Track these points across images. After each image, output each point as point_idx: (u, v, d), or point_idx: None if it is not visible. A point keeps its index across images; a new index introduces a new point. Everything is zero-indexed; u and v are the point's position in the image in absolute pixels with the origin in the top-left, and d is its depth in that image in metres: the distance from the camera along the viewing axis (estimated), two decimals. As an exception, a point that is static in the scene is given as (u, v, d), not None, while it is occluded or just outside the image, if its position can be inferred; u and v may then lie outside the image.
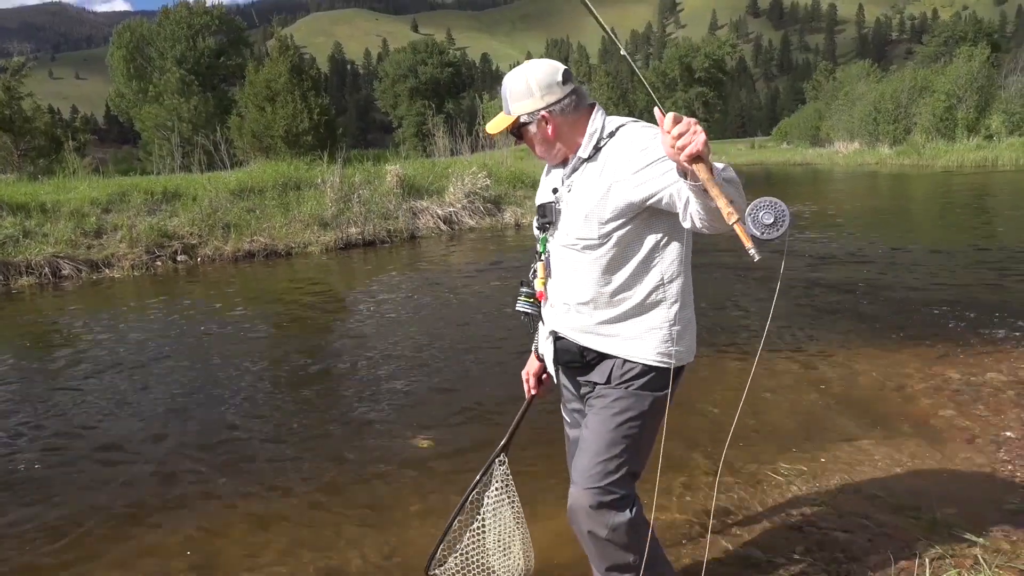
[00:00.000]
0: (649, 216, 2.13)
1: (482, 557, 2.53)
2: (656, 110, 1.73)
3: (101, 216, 12.78)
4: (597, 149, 2.21)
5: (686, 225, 1.99)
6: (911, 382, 4.87)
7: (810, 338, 6.04)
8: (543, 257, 2.37)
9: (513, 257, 12.15)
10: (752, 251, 1.72)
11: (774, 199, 1.76)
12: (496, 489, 2.51)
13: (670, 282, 2.19)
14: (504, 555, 2.50)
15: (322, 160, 15.61)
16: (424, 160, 18.96)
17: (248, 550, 3.23)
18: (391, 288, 9.63)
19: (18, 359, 6.89)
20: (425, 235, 14.74)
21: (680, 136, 1.68)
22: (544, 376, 2.57)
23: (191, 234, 12.82)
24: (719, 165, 1.81)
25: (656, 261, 2.18)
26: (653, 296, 2.19)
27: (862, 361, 5.39)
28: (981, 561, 2.66)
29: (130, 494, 3.86)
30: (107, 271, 11.59)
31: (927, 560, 2.65)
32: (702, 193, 1.77)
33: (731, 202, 1.72)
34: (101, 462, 4.32)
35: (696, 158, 1.68)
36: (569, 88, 2.22)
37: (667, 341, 2.19)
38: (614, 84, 61.32)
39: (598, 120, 2.24)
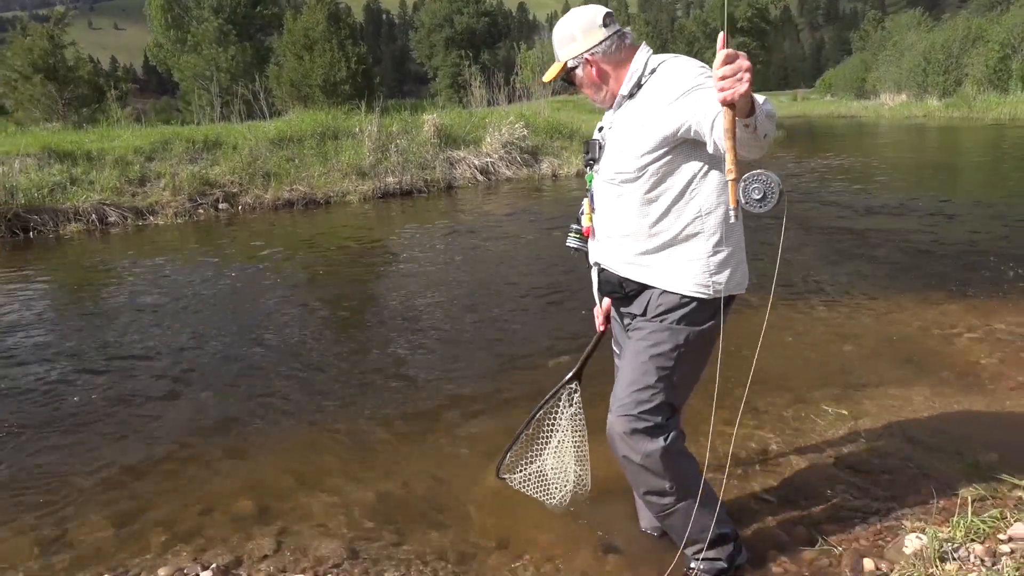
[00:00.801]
0: (688, 148, 2.16)
1: (542, 472, 2.61)
2: (720, 37, 1.71)
3: (144, 164, 12.96)
4: (639, 86, 2.27)
5: (710, 150, 2.02)
6: (956, 331, 4.82)
7: (855, 287, 5.98)
8: (590, 193, 2.43)
9: (550, 207, 12.12)
10: (731, 211, 1.81)
11: (768, 174, 1.77)
12: (565, 415, 2.58)
13: (708, 214, 2.21)
14: (561, 473, 2.58)
15: (360, 109, 15.59)
16: (461, 110, 18.81)
17: (302, 480, 3.36)
18: (430, 237, 9.68)
19: (73, 299, 7.11)
20: (462, 185, 14.73)
21: (723, 78, 1.69)
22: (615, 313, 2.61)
23: (232, 182, 12.98)
24: (759, 98, 1.82)
25: (695, 193, 2.21)
26: (691, 228, 2.22)
27: (907, 310, 5.33)
28: (1024, 502, 2.67)
29: (181, 428, 4.01)
30: (151, 218, 11.81)
31: (969, 499, 2.66)
32: (741, 136, 1.79)
33: (765, 136, 1.81)
34: (158, 397, 4.47)
35: (730, 103, 1.69)
36: (611, 31, 2.28)
37: (705, 272, 2.22)
38: (654, 34, 59.96)
39: (640, 59, 2.29)
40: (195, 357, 5.17)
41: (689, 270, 2.23)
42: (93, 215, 11.38)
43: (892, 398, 3.86)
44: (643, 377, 2.27)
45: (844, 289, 5.96)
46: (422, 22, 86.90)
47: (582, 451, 2.58)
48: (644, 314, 2.31)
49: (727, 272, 2.24)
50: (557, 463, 2.61)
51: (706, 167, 2.19)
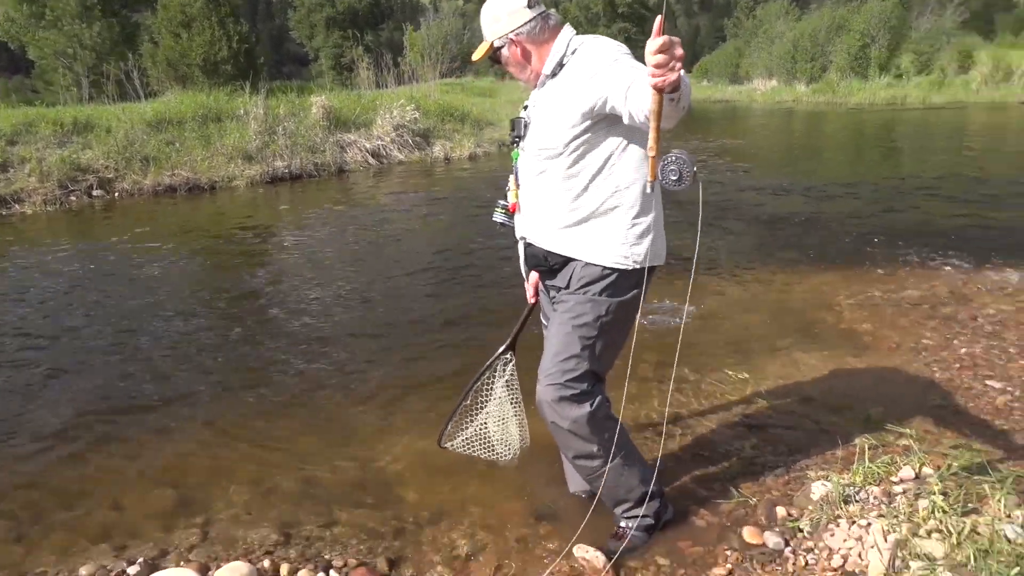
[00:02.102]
0: (606, 124, 2.25)
1: (485, 435, 2.73)
2: (657, 22, 1.77)
3: (6, 148, 12.04)
4: (561, 66, 2.35)
5: (626, 121, 2.09)
6: (838, 300, 5.19)
7: (747, 261, 6.31)
8: (515, 171, 2.48)
9: (444, 190, 12.10)
10: (648, 183, 1.91)
11: (681, 155, 1.88)
12: (501, 383, 2.69)
13: (626, 188, 2.30)
14: (503, 435, 2.71)
15: (244, 91, 14.99)
16: (350, 92, 18.39)
17: (217, 471, 3.27)
18: (323, 222, 9.47)
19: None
20: (353, 169, 14.46)
21: (658, 65, 1.74)
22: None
23: (106, 168, 12.21)
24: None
25: (614, 168, 2.30)
26: (610, 201, 2.31)
27: (793, 281, 5.70)
28: (912, 448, 2.93)
29: (73, 422, 3.82)
30: (16, 207, 10.99)
31: (865, 448, 2.90)
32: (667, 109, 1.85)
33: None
34: (39, 391, 4.22)
35: (660, 89, 1.77)
36: (535, 12, 2.35)
37: (624, 244, 2.31)
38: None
39: (563, 40, 2.36)
40: (74, 350, 4.88)
41: (609, 242, 2.32)
42: (-53, 204, 10.51)
43: (787, 362, 4.13)
44: (568, 347, 2.35)
45: (737, 263, 6.28)
46: (301, 1, 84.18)
47: (520, 415, 2.69)
48: (567, 287, 2.40)
49: (645, 244, 2.33)
50: (497, 426, 2.72)
51: (624, 142, 2.28)
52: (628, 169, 2.30)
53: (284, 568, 2.49)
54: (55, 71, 30.62)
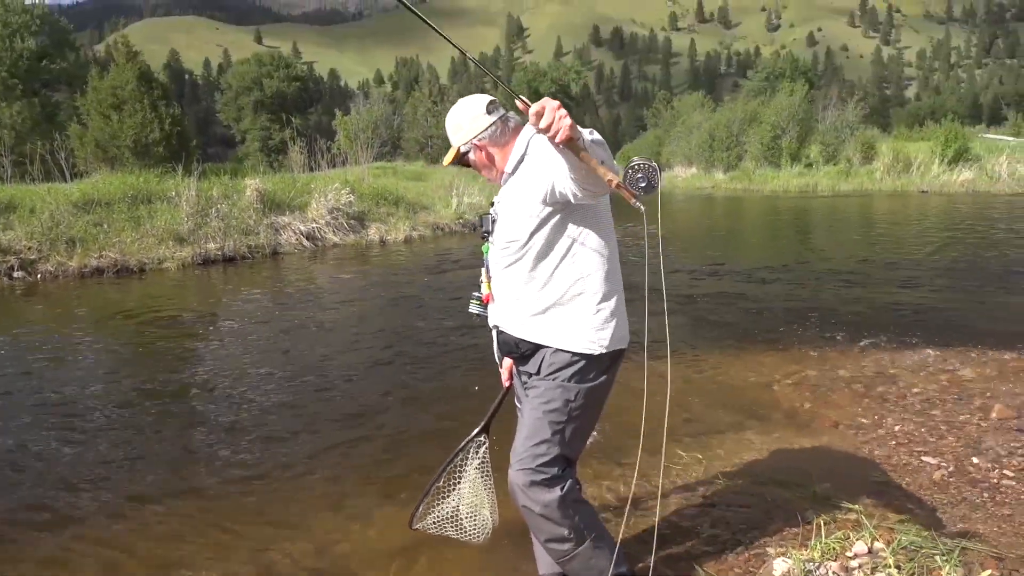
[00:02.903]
0: (564, 214, 2.39)
1: (456, 516, 2.76)
2: (517, 102, 1.95)
3: (-81, 228, 11.58)
4: (520, 162, 2.49)
5: (571, 198, 2.22)
6: (776, 379, 5.41)
7: (685, 343, 6.51)
8: (486, 264, 2.59)
9: (380, 273, 12.15)
10: (636, 203, 2.04)
11: (644, 161, 2.03)
12: (474, 465, 2.76)
13: (589, 275, 2.43)
14: (475, 515, 2.76)
15: (175, 172, 14.87)
16: (285, 175, 18.45)
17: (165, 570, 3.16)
18: (254, 306, 9.37)
19: None
20: (288, 251, 14.41)
21: (548, 126, 1.91)
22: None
23: (29, 248, 11.86)
24: (584, 132, 2.06)
25: (576, 256, 2.43)
26: (574, 288, 2.43)
27: (732, 362, 5.91)
28: (863, 522, 3.06)
29: None
30: (-70, 288, 10.53)
31: (820, 524, 3.02)
32: (582, 169, 2.02)
33: (602, 163, 2.00)
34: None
35: (568, 140, 1.92)
36: (495, 116, 2.51)
37: (591, 329, 2.43)
38: (466, 105, 62.23)
39: (523, 139, 2.53)
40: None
41: (576, 328, 2.43)
42: None
43: (734, 440, 4.27)
44: (539, 432, 2.43)
45: (672, 344, 6.47)
46: (229, 84, 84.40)
47: (491, 496, 2.76)
48: (538, 373, 2.49)
49: (611, 329, 2.45)
50: (469, 507, 2.77)
51: (584, 230, 2.42)
52: (590, 256, 2.43)
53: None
54: (-30, 149, 29.78)
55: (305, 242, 14.95)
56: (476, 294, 2.68)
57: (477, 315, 2.70)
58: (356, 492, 3.82)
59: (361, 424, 4.89)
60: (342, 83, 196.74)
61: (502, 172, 2.55)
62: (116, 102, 18.47)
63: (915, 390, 5.03)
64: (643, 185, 1.99)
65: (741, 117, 43.02)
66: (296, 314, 8.67)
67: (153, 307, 9.39)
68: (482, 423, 2.76)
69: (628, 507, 2.85)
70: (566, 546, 2.45)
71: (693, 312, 7.89)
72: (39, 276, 11.55)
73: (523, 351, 2.51)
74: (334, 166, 22.07)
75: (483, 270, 2.64)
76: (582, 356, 2.44)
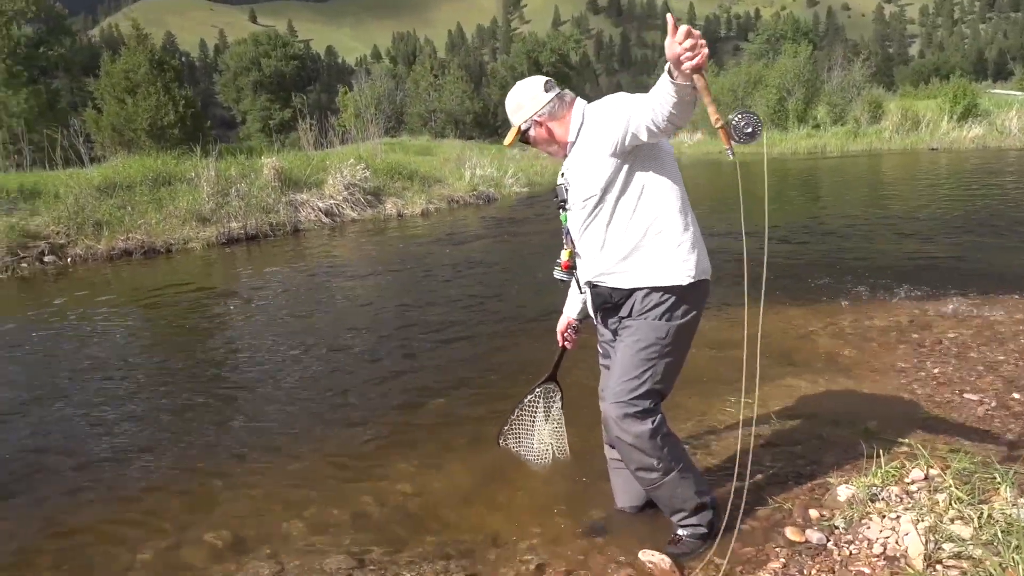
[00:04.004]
0: (632, 160, 2.58)
1: (529, 443, 3.44)
2: (669, 17, 2.12)
3: (-52, 217, 11.76)
4: (580, 129, 2.71)
5: (644, 137, 2.43)
6: (813, 331, 5.59)
7: (715, 298, 6.66)
8: (566, 231, 2.78)
9: (399, 246, 12.32)
10: (729, 151, 2.22)
11: (746, 112, 2.21)
12: (542, 405, 3.35)
13: (664, 214, 2.62)
14: (543, 446, 3.39)
15: (193, 153, 15.00)
16: (299, 152, 18.57)
17: (265, 512, 3.37)
18: (281, 283, 9.52)
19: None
20: (307, 228, 14.56)
21: (692, 47, 2.07)
22: (567, 334, 3.12)
23: (57, 233, 12.06)
24: None
25: (649, 198, 2.62)
26: (653, 227, 2.62)
27: (769, 316, 6.05)
28: (917, 452, 3.25)
29: (101, 487, 3.85)
30: (-34, 275, 10.73)
31: (874, 455, 3.21)
32: (687, 98, 2.20)
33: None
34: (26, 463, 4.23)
35: (698, 68, 2.08)
36: (552, 94, 2.73)
37: (677, 261, 2.62)
38: (467, 77, 61.90)
39: (578, 110, 2.74)
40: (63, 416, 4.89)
41: (662, 264, 2.61)
42: None
43: (780, 387, 4.45)
44: (632, 368, 2.62)
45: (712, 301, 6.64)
46: (227, 65, 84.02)
47: (561, 431, 3.36)
48: (630, 315, 2.67)
49: (694, 259, 2.65)
50: (540, 440, 3.39)
51: (651, 175, 2.61)
52: (662, 196, 2.62)
53: (373, 590, 2.63)
54: (-21, 139, 29.88)
55: (324, 218, 15.10)
56: (557, 261, 2.88)
57: (561, 280, 2.93)
58: (420, 445, 4.03)
59: (402, 387, 5.06)
60: (339, 60, 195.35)
61: (563, 144, 2.75)
62: (130, 86, 18.58)
63: (950, 335, 5.21)
64: (748, 131, 2.16)
65: (745, 80, 42.79)
66: (324, 287, 8.87)
67: (183, 286, 9.59)
68: (548, 373, 3.25)
69: (709, 440, 3.04)
70: (654, 475, 2.65)
71: (719, 270, 8.02)
72: (69, 259, 11.74)
73: (616, 300, 2.70)
74: (344, 143, 22.12)
75: (564, 238, 2.84)
76: (671, 292, 2.62)
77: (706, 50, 2.08)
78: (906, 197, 14.74)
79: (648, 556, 2.69)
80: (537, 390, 3.26)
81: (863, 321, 5.73)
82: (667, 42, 2.09)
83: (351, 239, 13.53)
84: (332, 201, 15.48)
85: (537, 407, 3.31)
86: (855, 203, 14.66)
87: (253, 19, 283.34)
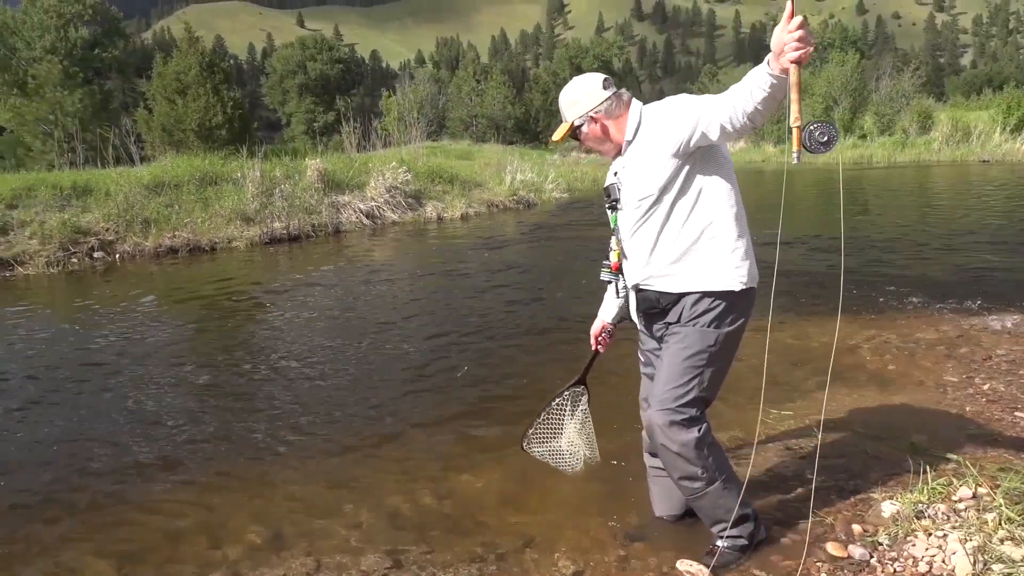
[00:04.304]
0: (692, 162, 2.54)
1: (557, 450, 3.22)
2: (789, 2, 2.11)
3: (6, 212, 12.13)
4: (638, 129, 2.66)
5: (715, 136, 2.39)
6: (856, 343, 5.48)
7: (758, 308, 6.57)
8: (615, 232, 2.75)
9: (436, 250, 12.39)
10: (795, 155, 2.19)
11: (825, 121, 2.18)
12: (569, 409, 3.19)
13: (720, 219, 2.59)
14: (572, 451, 3.18)
15: (239, 154, 15.28)
16: (342, 155, 18.82)
17: (298, 510, 3.41)
18: (320, 283, 9.62)
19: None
20: (349, 229, 14.73)
21: (800, 39, 2.07)
22: (601, 337, 3.07)
23: (107, 230, 12.36)
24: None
25: (706, 202, 2.58)
26: (708, 231, 2.59)
27: (809, 328, 5.97)
28: (964, 469, 3.17)
29: (137, 475, 3.93)
30: (19, 268, 11.05)
31: (920, 471, 3.14)
32: (778, 94, 2.18)
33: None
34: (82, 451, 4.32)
35: (800, 61, 2.08)
36: (609, 92, 2.69)
37: (730, 267, 2.59)
38: (509, 83, 62.07)
39: (636, 110, 2.71)
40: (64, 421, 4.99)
41: (715, 268, 2.58)
42: (-47, 266, 10.52)
43: (822, 400, 4.35)
44: (680, 376, 2.59)
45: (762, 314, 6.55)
46: (274, 68, 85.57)
47: (590, 436, 3.17)
48: (679, 320, 2.64)
49: (747, 265, 2.62)
50: (568, 443, 3.19)
51: (710, 178, 2.58)
52: (719, 201, 2.58)
53: (409, 589, 2.65)
54: (35, 137, 30.78)
55: (365, 220, 15.26)
56: (606, 262, 2.86)
57: (608, 282, 2.90)
58: (455, 446, 4.06)
59: (439, 389, 5.10)
60: (383, 64, 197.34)
61: (618, 143, 2.71)
62: (180, 87, 19.01)
63: (999, 351, 5.07)
64: (823, 141, 2.14)
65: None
66: (364, 288, 8.95)
67: (226, 283, 9.75)
68: (578, 376, 3.14)
69: (753, 453, 3.00)
70: (698, 484, 2.61)
71: (763, 280, 7.92)
72: (117, 256, 12.03)
73: (664, 304, 2.67)
74: (387, 146, 22.35)
75: (612, 239, 2.81)
76: (722, 298, 2.59)
77: (811, 48, 2.06)
78: (956, 209, 14.42)
79: (686, 566, 2.66)
80: (565, 393, 3.21)
81: (910, 335, 5.61)
82: (777, 28, 2.11)
83: (391, 241, 13.65)
84: (373, 203, 15.63)
85: (564, 411, 3.23)
86: (902, 214, 14.37)
87: (300, 23, 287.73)
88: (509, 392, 4.92)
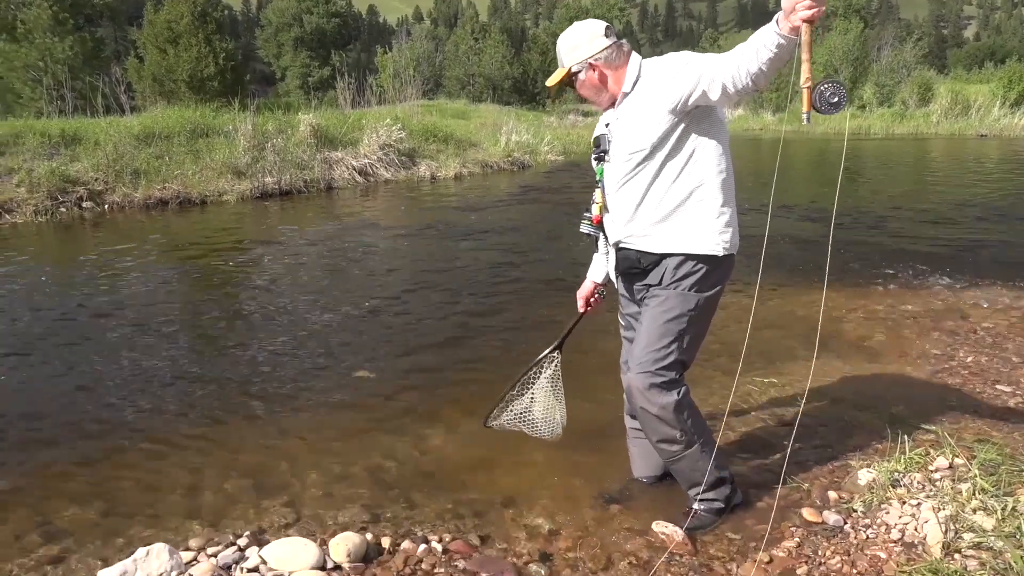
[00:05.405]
0: (688, 121, 2.49)
1: (529, 418, 3.15)
2: None
3: (-8, 159, 11.97)
4: (636, 81, 2.58)
5: (715, 95, 2.33)
6: (843, 313, 5.49)
7: (748, 277, 6.55)
8: (600, 184, 2.70)
9: (429, 209, 12.32)
10: (805, 115, 2.17)
11: (836, 80, 2.14)
12: (546, 376, 3.08)
13: (709, 182, 2.55)
14: (546, 418, 3.12)
15: (231, 107, 15.07)
16: (335, 111, 18.58)
17: (278, 465, 3.42)
18: (310, 239, 9.56)
19: None
20: (341, 186, 14.60)
21: None
22: (592, 299, 3.02)
23: (96, 180, 12.20)
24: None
25: (696, 164, 2.54)
26: (696, 193, 2.55)
27: (800, 296, 5.97)
28: (942, 440, 3.19)
29: (126, 424, 3.93)
30: (7, 216, 10.93)
31: (898, 441, 3.16)
32: (784, 55, 2.14)
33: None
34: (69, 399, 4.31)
35: (812, 20, 2.04)
36: (611, 40, 2.61)
37: (714, 232, 2.56)
38: (508, 42, 61.19)
39: (635, 62, 2.63)
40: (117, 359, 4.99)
41: (700, 231, 2.55)
42: (-61, 212, 10.40)
43: (807, 368, 4.35)
44: (659, 339, 2.57)
45: (736, 277, 6.54)
46: (269, 20, 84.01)
47: (560, 401, 3.11)
48: (660, 283, 2.62)
49: (731, 232, 2.59)
50: (542, 410, 3.12)
51: (703, 140, 2.53)
52: (709, 164, 2.54)
53: (386, 541, 2.67)
54: (24, 84, 30.26)
55: (358, 177, 15.12)
56: (587, 214, 2.78)
57: (587, 234, 2.82)
58: (438, 406, 4.05)
59: (424, 348, 5.09)
60: (381, 19, 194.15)
61: (614, 95, 2.64)
62: (172, 36, 18.67)
63: (985, 324, 5.09)
64: (833, 101, 2.10)
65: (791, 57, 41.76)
66: (354, 245, 8.90)
67: (216, 237, 9.68)
68: (556, 341, 3.06)
69: (726, 417, 3.01)
70: (676, 447, 2.62)
71: (750, 249, 7.90)
72: (106, 206, 11.90)
73: (644, 265, 2.63)
74: (381, 103, 22.08)
75: (596, 192, 2.74)
76: (704, 262, 2.56)
77: (823, 6, 2.02)
78: (950, 183, 14.39)
79: (661, 527, 2.68)
80: (544, 361, 3.09)
81: (897, 306, 5.62)
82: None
83: (383, 199, 13.56)
84: (366, 160, 15.48)
85: (538, 378, 3.12)
86: (896, 186, 14.34)
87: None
88: (497, 354, 4.92)
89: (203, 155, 13.48)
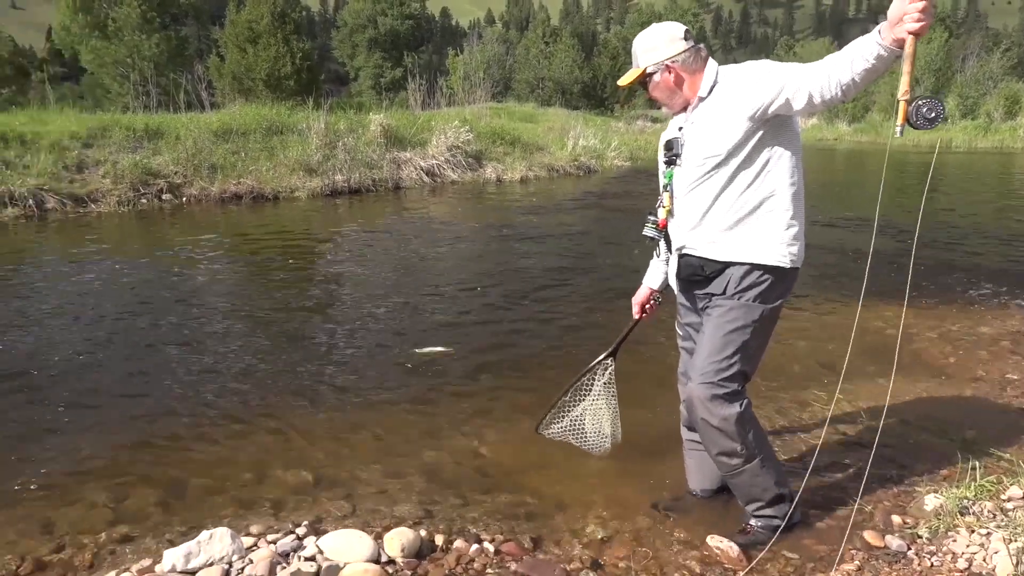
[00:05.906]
0: (765, 130, 2.45)
1: (580, 428, 3.15)
2: None
3: (82, 151, 12.53)
4: (714, 87, 2.55)
5: (799, 104, 2.30)
6: (917, 332, 5.32)
7: (826, 292, 6.40)
8: (668, 188, 2.67)
9: (494, 211, 12.38)
10: (898, 128, 2.11)
11: (933, 97, 2.09)
12: (600, 384, 3.08)
13: (780, 192, 2.50)
14: (598, 429, 3.12)
15: (306, 106, 15.46)
16: (406, 112, 18.89)
17: (341, 458, 3.49)
18: (377, 237, 9.75)
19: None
20: (408, 186, 14.82)
21: (922, 10, 1.99)
22: (648, 305, 2.99)
23: (176, 173, 12.67)
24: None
25: (770, 173, 2.50)
26: (767, 204, 2.51)
27: (872, 313, 5.78)
28: (1016, 468, 3.07)
29: (194, 412, 4.06)
30: (92, 206, 11.44)
31: (968, 467, 3.05)
32: (882, 67, 2.12)
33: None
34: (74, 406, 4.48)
35: (919, 33, 2.01)
36: (689, 44, 2.57)
37: (782, 243, 2.51)
38: (578, 46, 61.10)
39: (712, 68, 2.59)
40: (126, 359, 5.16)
41: (768, 242, 2.51)
42: (30, 200, 10.92)
43: (876, 387, 4.25)
44: (723, 349, 2.54)
45: (808, 292, 6.40)
46: (344, 21, 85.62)
47: (615, 412, 3.09)
48: (723, 292, 2.58)
49: (799, 245, 2.55)
50: (593, 421, 3.12)
51: (779, 150, 2.49)
52: (782, 174, 2.50)
53: (439, 538, 2.70)
54: (113, 79, 31.62)
55: (425, 178, 15.32)
56: (652, 218, 2.74)
57: (650, 238, 2.79)
58: (496, 407, 4.08)
59: (483, 349, 5.13)
60: (453, 22, 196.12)
61: (687, 99, 2.60)
62: (252, 35, 19.24)
63: (1068, 350, 4.86)
64: (930, 117, 2.05)
65: (871, 66, 40.65)
66: (419, 244, 9.03)
67: (287, 232, 9.94)
68: (610, 348, 3.04)
69: (793, 432, 2.94)
70: (736, 460, 2.58)
71: (824, 262, 7.73)
72: (184, 199, 12.36)
73: (707, 273, 2.60)
74: (451, 105, 22.33)
75: (662, 196, 2.70)
76: (771, 273, 2.52)
77: (932, 20, 1.99)
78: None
79: (716, 542, 2.65)
80: (597, 368, 3.10)
81: (974, 327, 5.41)
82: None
83: (450, 200, 13.70)
84: (434, 161, 15.68)
85: (592, 386, 3.09)
86: (977, 202, 13.82)
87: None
88: (556, 357, 4.90)
89: (277, 152, 13.87)
